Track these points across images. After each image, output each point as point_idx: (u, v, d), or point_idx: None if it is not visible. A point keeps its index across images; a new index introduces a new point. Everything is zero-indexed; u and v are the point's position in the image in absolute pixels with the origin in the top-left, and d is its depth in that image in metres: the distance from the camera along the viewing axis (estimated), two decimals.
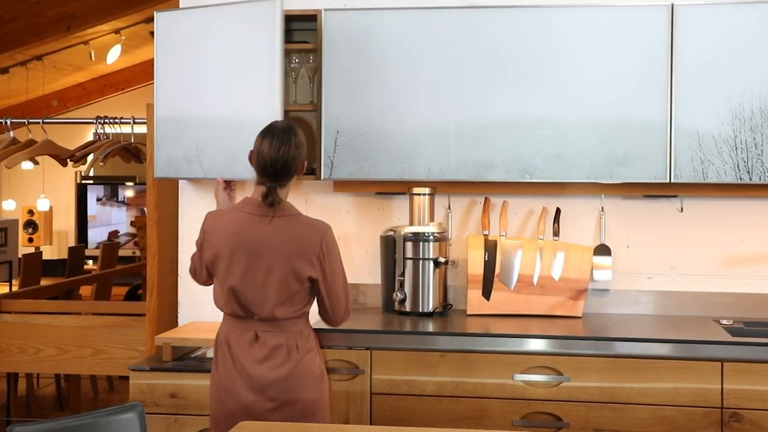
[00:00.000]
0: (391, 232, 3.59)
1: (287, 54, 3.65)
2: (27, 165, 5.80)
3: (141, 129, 4.19)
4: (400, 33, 3.49)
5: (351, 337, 3.23)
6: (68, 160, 4.72)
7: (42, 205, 8.85)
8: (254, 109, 3.38)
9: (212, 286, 2.95)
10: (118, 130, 4.61)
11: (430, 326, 3.37)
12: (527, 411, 3.14)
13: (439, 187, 3.65)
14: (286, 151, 2.77)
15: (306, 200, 3.86)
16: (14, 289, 6.36)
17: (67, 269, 7.49)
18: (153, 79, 3.65)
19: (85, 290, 6.81)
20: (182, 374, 3.31)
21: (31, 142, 4.71)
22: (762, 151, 3.29)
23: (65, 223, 10.20)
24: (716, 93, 3.31)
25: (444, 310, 3.59)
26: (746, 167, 3.30)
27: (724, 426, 3.05)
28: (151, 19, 4.35)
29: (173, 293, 3.96)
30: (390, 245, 3.58)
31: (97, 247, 8.81)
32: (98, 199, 10.11)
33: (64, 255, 8.17)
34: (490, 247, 3.58)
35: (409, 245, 3.54)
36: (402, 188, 3.67)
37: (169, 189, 3.96)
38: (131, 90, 9.58)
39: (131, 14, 7.12)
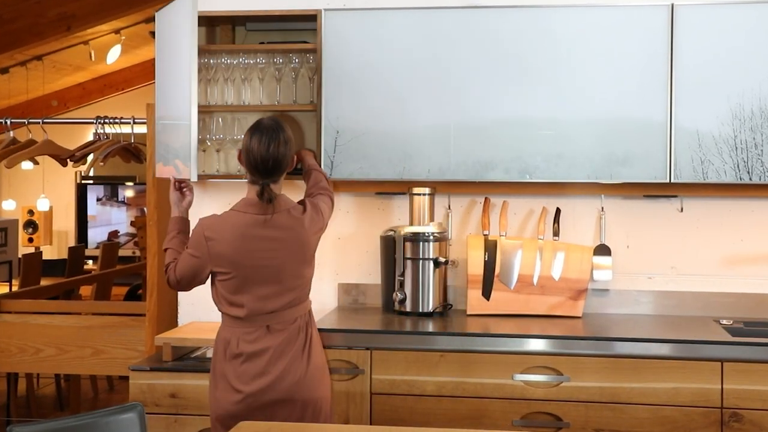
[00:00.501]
0: (391, 232, 3.59)
1: (287, 53, 3.65)
2: (27, 165, 5.80)
3: (141, 129, 4.19)
4: (400, 33, 3.49)
5: (351, 337, 3.23)
6: (68, 160, 4.72)
7: (42, 205, 8.85)
8: (176, 107, 3.33)
9: (212, 290, 2.94)
10: (118, 130, 4.61)
11: (430, 326, 3.37)
12: (527, 411, 3.14)
13: (439, 187, 3.65)
14: (276, 148, 2.81)
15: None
16: (14, 289, 6.36)
17: (67, 269, 7.49)
18: (153, 79, 3.64)
19: (85, 290, 6.81)
20: (182, 374, 3.31)
21: (31, 142, 4.71)
22: (762, 151, 3.29)
23: (65, 223, 10.20)
24: (716, 93, 3.31)
25: (444, 310, 3.59)
26: (746, 167, 3.30)
27: (724, 426, 3.05)
28: (151, 19, 4.35)
29: (173, 293, 3.96)
30: (390, 245, 3.58)
31: (97, 247, 8.81)
32: (98, 199, 10.11)
33: (64, 255, 8.17)
34: (490, 247, 3.58)
35: (409, 245, 3.54)
36: (402, 188, 3.67)
37: (169, 189, 3.95)
38: (131, 90, 9.57)
39: (131, 14, 7.11)
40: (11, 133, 4.66)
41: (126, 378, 3.69)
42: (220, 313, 2.94)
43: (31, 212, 9.07)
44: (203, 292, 3.88)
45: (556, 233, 3.63)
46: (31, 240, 9.02)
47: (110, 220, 10.13)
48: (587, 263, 3.56)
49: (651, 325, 3.43)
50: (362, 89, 3.50)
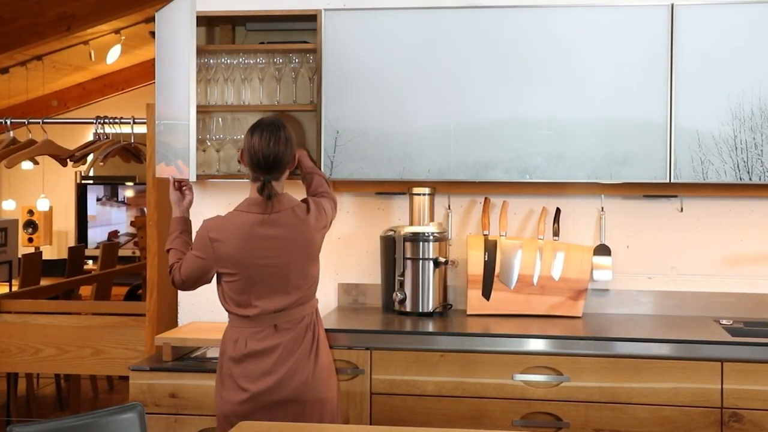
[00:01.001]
0: (391, 232, 3.59)
1: (287, 53, 3.65)
2: (27, 165, 5.80)
3: (141, 129, 4.19)
4: (400, 33, 3.49)
5: (351, 337, 3.23)
6: (68, 160, 4.72)
7: (42, 205, 8.85)
8: (176, 107, 3.33)
9: (218, 289, 2.93)
10: (118, 130, 4.60)
11: (430, 326, 3.37)
12: (527, 411, 3.14)
13: (439, 187, 3.65)
14: (276, 144, 2.83)
15: None
16: (14, 289, 6.36)
17: (67, 269, 7.49)
18: (153, 79, 3.64)
19: (85, 290, 6.81)
20: (182, 374, 3.31)
21: (31, 142, 4.71)
22: (762, 151, 3.29)
23: (65, 223, 10.20)
24: (716, 93, 3.31)
25: (444, 310, 3.59)
26: (746, 167, 3.30)
27: (724, 426, 3.05)
28: (151, 19, 4.35)
29: (173, 293, 3.96)
30: (390, 245, 3.58)
31: (97, 247, 8.81)
32: (98, 199, 10.11)
33: (64, 255, 8.17)
34: (490, 247, 3.58)
35: (408, 245, 3.54)
36: (402, 188, 3.67)
37: (169, 189, 3.95)
38: (131, 90, 9.58)
39: (131, 14, 7.11)
40: (11, 133, 4.66)
41: (126, 378, 3.69)
42: (226, 312, 2.94)
43: (31, 212, 9.07)
44: (203, 292, 3.88)
45: (556, 233, 3.63)
46: (31, 240, 9.02)
47: (110, 220, 10.13)
48: (587, 263, 3.56)
49: (651, 325, 3.43)
50: (362, 89, 3.50)
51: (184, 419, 3.29)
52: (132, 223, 9.77)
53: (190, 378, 3.30)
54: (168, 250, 3.03)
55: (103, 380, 6.62)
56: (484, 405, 3.16)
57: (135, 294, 7.12)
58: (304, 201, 2.97)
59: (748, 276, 3.65)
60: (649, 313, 3.66)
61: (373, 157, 3.49)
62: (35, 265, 6.77)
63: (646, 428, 3.08)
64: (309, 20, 3.62)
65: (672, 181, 3.35)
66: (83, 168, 8.02)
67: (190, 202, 3.19)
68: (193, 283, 2.93)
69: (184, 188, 3.20)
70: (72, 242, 10.00)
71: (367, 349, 3.22)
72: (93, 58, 8.06)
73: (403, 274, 3.54)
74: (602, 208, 3.70)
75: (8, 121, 4.60)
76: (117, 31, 7.78)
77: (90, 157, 4.61)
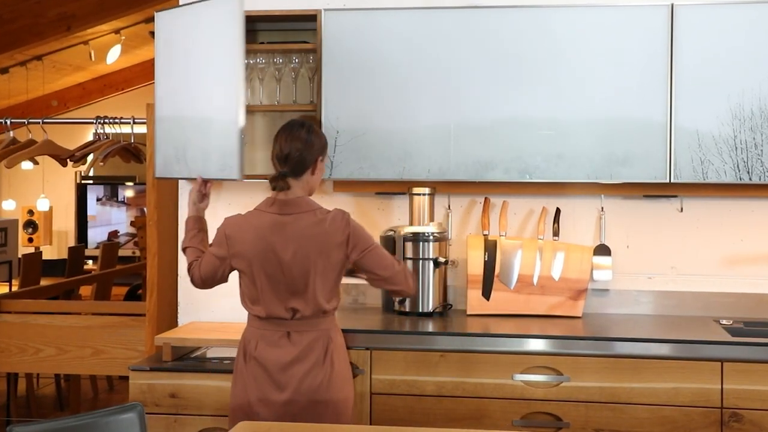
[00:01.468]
0: (391, 232, 3.58)
1: (287, 53, 3.65)
2: (27, 165, 5.80)
3: (141, 129, 4.19)
4: (400, 33, 3.49)
5: (351, 337, 3.23)
6: (68, 160, 4.72)
7: (42, 205, 8.85)
8: (222, 108, 3.30)
9: (240, 288, 2.93)
10: (118, 130, 4.60)
11: (430, 326, 3.37)
12: (527, 411, 3.14)
13: (439, 187, 3.65)
14: (297, 140, 2.84)
15: None
16: (14, 289, 6.36)
17: (67, 269, 7.49)
18: (153, 79, 3.64)
19: (85, 290, 6.81)
20: (182, 374, 3.31)
21: (31, 142, 4.71)
22: (762, 151, 3.29)
23: (65, 223, 10.20)
24: (716, 93, 3.31)
25: (444, 310, 3.59)
26: (746, 167, 3.30)
27: (723, 426, 3.05)
28: (151, 19, 4.35)
29: (173, 293, 3.96)
30: (390, 245, 3.57)
31: (97, 247, 8.81)
32: (98, 199, 10.11)
33: (64, 255, 8.17)
34: (490, 247, 3.58)
35: (409, 245, 3.54)
36: (402, 188, 3.67)
37: (169, 189, 3.96)
38: (131, 90, 9.58)
39: (131, 14, 7.12)
40: (11, 133, 4.66)
41: (126, 378, 3.69)
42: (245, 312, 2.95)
43: (31, 212, 9.07)
44: (203, 291, 3.88)
45: (556, 233, 3.63)
46: (31, 240, 9.02)
47: (110, 220, 10.14)
48: (587, 263, 3.56)
49: (651, 325, 3.43)
50: (362, 89, 3.50)
51: (184, 419, 3.29)
52: (132, 223, 9.77)
53: (190, 378, 3.30)
54: (185, 249, 3.04)
55: (103, 380, 6.62)
56: (484, 405, 3.16)
57: (135, 294, 7.12)
58: (339, 213, 2.88)
59: (748, 276, 3.65)
60: (649, 313, 3.66)
61: (373, 157, 3.49)
62: (35, 265, 6.77)
63: (646, 428, 3.08)
64: (309, 20, 3.62)
65: (672, 181, 3.35)
66: (83, 168, 8.03)
67: (206, 206, 3.18)
68: (211, 281, 2.94)
69: (206, 190, 3.19)
70: (72, 242, 10.01)
71: (367, 349, 3.22)
72: (93, 58, 8.06)
73: None
74: (602, 208, 3.70)
75: (8, 121, 4.59)
76: (117, 31, 7.78)
77: (90, 157, 4.61)
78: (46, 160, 5.15)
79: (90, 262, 8.69)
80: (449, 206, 3.78)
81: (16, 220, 7.44)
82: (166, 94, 3.56)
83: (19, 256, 6.97)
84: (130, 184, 10.15)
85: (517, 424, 3.14)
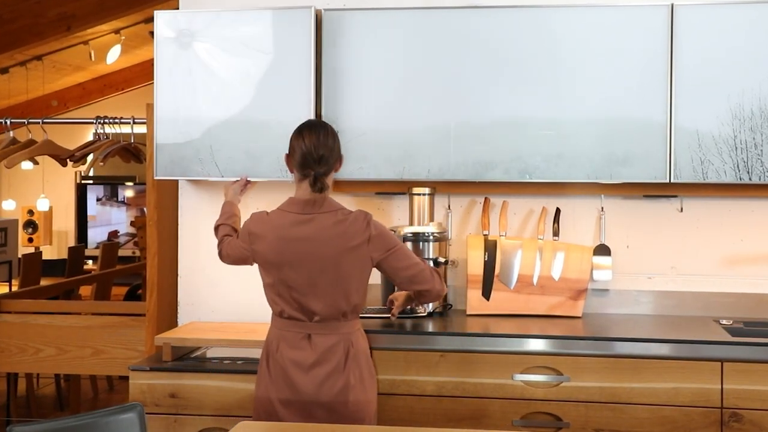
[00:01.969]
0: (391, 232, 3.58)
1: None
2: (27, 165, 5.80)
3: (141, 129, 4.19)
4: (400, 33, 3.49)
5: None
6: (68, 160, 4.72)
7: (42, 205, 8.85)
8: (285, 111, 3.47)
9: (263, 287, 2.94)
10: (118, 130, 4.60)
11: (430, 326, 3.37)
12: (527, 411, 3.14)
13: (439, 187, 3.65)
14: (325, 139, 2.86)
15: None
16: (14, 289, 6.36)
17: (67, 269, 7.49)
18: (153, 79, 3.65)
19: (85, 290, 6.81)
20: (182, 374, 3.31)
21: (31, 142, 4.71)
22: (762, 151, 3.29)
23: (65, 223, 10.20)
24: (716, 93, 3.31)
25: (444, 310, 3.59)
26: (746, 167, 3.30)
27: (724, 426, 3.05)
28: (151, 19, 4.34)
29: (173, 293, 3.96)
30: None
31: (97, 247, 8.81)
32: (98, 199, 10.12)
33: (64, 255, 8.17)
34: (490, 247, 3.58)
35: (408, 245, 3.54)
36: (402, 188, 3.67)
37: (169, 189, 3.97)
38: (131, 90, 9.58)
39: (131, 14, 7.12)
40: (11, 133, 4.66)
41: (126, 378, 3.68)
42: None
43: (31, 212, 9.07)
44: (203, 292, 3.89)
45: (556, 233, 3.63)
46: (31, 240, 9.02)
47: (110, 220, 10.14)
48: (587, 263, 3.56)
49: (651, 325, 3.43)
50: (362, 89, 3.50)
51: (183, 419, 3.29)
52: (132, 223, 9.77)
53: (190, 378, 3.30)
54: (218, 226, 3.16)
55: (103, 380, 6.62)
56: (484, 405, 3.16)
57: (135, 294, 7.12)
58: (358, 212, 2.88)
59: (748, 276, 3.65)
60: (649, 313, 3.66)
61: (373, 157, 3.49)
62: (35, 265, 6.77)
63: (646, 428, 3.08)
64: None
65: (672, 181, 3.35)
66: (83, 168, 8.03)
67: (239, 202, 3.35)
68: (234, 263, 3.04)
69: (245, 189, 3.44)
70: (72, 242, 10.01)
71: None
72: (93, 58, 8.06)
73: None
74: (602, 208, 3.70)
75: (8, 121, 4.59)
76: (117, 31, 7.78)
77: (90, 157, 4.60)
78: (46, 160, 5.15)
79: (90, 262, 8.69)
80: (449, 206, 3.78)
81: (16, 220, 7.44)
82: (176, 95, 3.57)
83: (19, 256, 6.97)
84: (130, 184, 10.15)
85: (517, 424, 3.14)
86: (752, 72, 3.30)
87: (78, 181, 10.15)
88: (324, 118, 3.50)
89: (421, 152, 3.47)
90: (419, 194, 3.59)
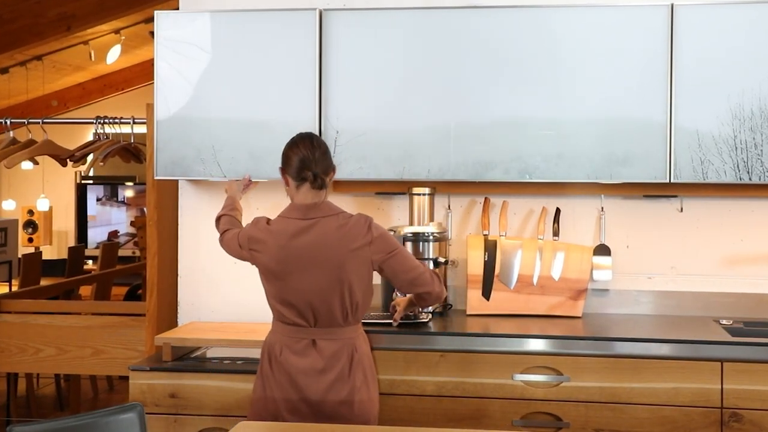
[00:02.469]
0: (391, 232, 3.58)
1: None
2: (27, 165, 5.79)
3: (141, 129, 4.19)
4: (400, 33, 3.49)
5: None
6: (68, 160, 4.72)
7: (42, 205, 8.84)
8: (288, 112, 3.50)
9: (265, 293, 2.94)
10: (118, 130, 4.60)
11: (430, 326, 3.37)
12: (527, 411, 3.14)
13: (439, 187, 3.65)
14: (319, 144, 2.89)
15: None
16: (14, 289, 6.36)
17: (67, 269, 7.49)
18: (153, 79, 3.65)
19: (85, 290, 6.81)
20: (182, 374, 3.31)
21: (31, 142, 4.71)
22: (762, 151, 3.29)
23: (65, 223, 10.20)
24: (716, 93, 3.31)
25: (444, 310, 3.59)
26: (746, 167, 3.30)
27: (724, 426, 3.05)
28: (151, 19, 4.34)
29: (173, 293, 3.96)
30: None
31: (97, 247, 8.80)
32: (98, 199, 10.11)
33: (64, 255, 8.17)
34: (490, 247, 3.58)
35: (408, 245, 3.54)
36: (402, 188, 3.67)
37: (169, 189, 3.97)
38: (131, 90, 9.57)
39: (131, 14, 7.12)
40: (11, 133, 4.66)
41: (126, 378, 3.68)
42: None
43: (31, 212, 9.06)
44: (203, 292, 3.89)
45: (555, 233, 3.63)
46: (31, 240, 9.02)
47: (110, 220, 10.13)
48: (587, 263, 3.56)
49: (651, 325, 3.43)
50: (362, 89, 3.50)
51: (183, 419, 3.29)
52: (132, 223, 9.77)
53: (190, 378, 3.30)
54: (220, 217, 3.18)
55: (103, 380, 6.62)
56: (484, 405, 3.16)
57: (135, 294, 7.12)
58: (359, 215, 2.88)
59: (748, 276, 3.65)
60: (649, 313, 3.66)
61: (373, 157, 3.49)
62: (35, 265, 6.77)
63: (646, 428, 3.08)
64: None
65: (672, 181, 3.35)
66: (83, 168, 8.02)
67: (240, 198, 3.38)
68: (231, 255, 3.06)
69: (248, 189, 3.46)
70: (72, 242, 10.00)
71: None
72: (93, 58, 8.06)
73: None
74: (602, 208, 3.70)
75: (8, 121, 4.59)
76: (117, 31, 7.78)
77: (90, 157, 4.60)
78: (46, 160, 5.15)
79: (90, 262, 8.69)
80: (449, 206, 3.78)
81: (16, 220, 7.44)
82: (178, 96, 3.58)
83: (19, 256, 6.97)
84: (130, 184, 10.15)
85: (517, 424, 3.14)
86: (752, 72, 3.30)
87: (78, 181, 10.15)
88: (324, 118, 3.51)
89: (421, 152, 3.47)
90: (419, 194, 3.59)
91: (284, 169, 2.90)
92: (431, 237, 3.55)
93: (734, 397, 3.04)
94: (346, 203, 3.83)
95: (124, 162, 4.69)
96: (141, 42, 8.23)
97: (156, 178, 3.66)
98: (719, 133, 3.31)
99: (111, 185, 10.12)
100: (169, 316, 3.95)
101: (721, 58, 3.32)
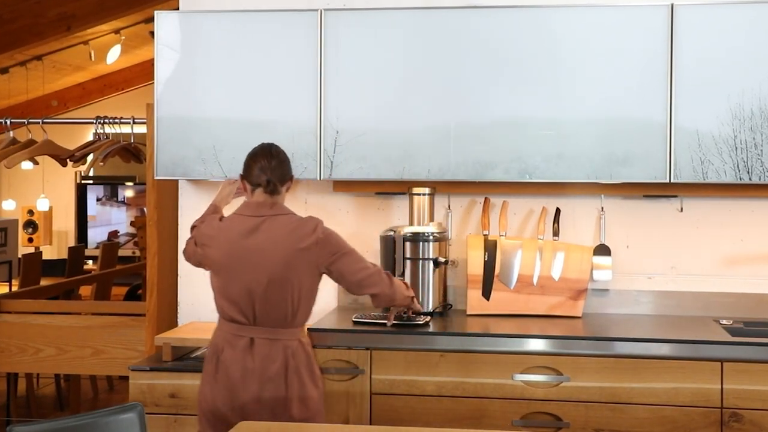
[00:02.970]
0: (391, 232, 3.58)
1: None
2: (27, 165, 5.79)
3: (141, 129, 4.19)
4: (400, 33, 3.49)
5: (351, 337, 3.23)
6: (68, 160, 4.72)
7: (42, 205, 8.84)
8: (289, 112, 3.51)
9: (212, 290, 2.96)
10: (118, 130, 4.60)
11: (430, 326, 3.37)
12: (527, 411, 3.14)
13: (439, 187, 3.65)
14: (277, 153, 2.91)
15: (306, 201, 3.87)
16: (14, 289, 6.36)
17: (67, 269, 7.49)
18: (153, 79, 3.65)
19: (85, 290, 6.81)
20: (182, 374, 3.31)
21: (31, 142, 4.71)
22: (762, 151, 3.29)
23: (65, 223, 10.20)
24: (716, 93, 3.31)
25: (444, 310, 3.59)
26: (746, 167, 3.30)
27: (723, 426, 3.05)
28: (151, 19, 4.35)
29: (173, 293, 3.96)
30: (390, 245, 3.58)
31: (97, 247, 8.80)
32: (98, 199, 10.11)
33: (64, 255, 8.17)
34: (490, 247, 3.58)
35: (408, 245, 3.54)
36: (402, 188, 3.67)
37: (169, 189, 3.97)
38: (131, 90, 9.57)
39: (131, 14, 7.12)
40: (11, 133, 4.66)
41: (126, 378, 3.68)
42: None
43: (31, 212, 9.06)
44: (203, 292, 3.88)
45: (555, 233, 3.63)
46: (31, 240, 9.02)
47: (110, 220, 10.13)
48: (587, 263, 3.56)
49: (651, 325, 3.43)
50: (362, 89, 3.50)
51: (183, 419, 3.29)
52: (132, 223, 9.77)
53: (190, 378, 3.30)
54: (193, 227, 3.13)
55: (103, 380, 6.62)
56: (484, 405, 3.16)
57: (135, 294, 7.12)
58: (309, 217, 2.90)
59: (748, 276, 3.65)
60: (649, 313, 3.66)
61: (373, 157, 3.49)
62: (35, 265, 6.77)
63: (646, 428, 3.08)
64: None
65: (672, 181, 3.35)
66: (83, 168, 8.02)
67: (230, 202, 3.30)
68: (195, 265, 3.08)
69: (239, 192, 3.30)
70: (72, 242, 10.00)
71: (367, 349, 3.22)
72: (93, 58, 8.06)
73: (403, 274, 3.53)
74: (602, 208, 3.70)
75: (8, 121, 4.59)
76: (117, 31, 7.78)
77: (90, 157, 4.61)
78: (46, 160, 5.15)
79: (90, 262, 8.69)
80: (449, 206, 3.78)
81: (16, 220, 7.44)
82: (178, 96, 3.58)
83: (19, 256, 6.97)
84: (130, 184, 10.15)
85: (517, 424, 3.14)
86: (752, 72, 3.30)
87: (78, 181, 10.15)
88: (324, 118, 3.51)
89: (421, 152, 3.47)
90: (419, 194, 3.59)
91: (243, 176, 2.93)
92: (431, 237, 3.55)
93: (734, 397, 3.04)
94: (346, 203, 3.84)
95: (124, 162, 4.69)
96: (141, 42, 8.22)
97: (156, 178, 3.66)
98: (719, 133, 3.31)
99: (111, 185, 10.12)
100: (169, 316, 3.95)
101: (721, 58, 3.32)
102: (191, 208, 3.94)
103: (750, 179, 3.31)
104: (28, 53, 7.55)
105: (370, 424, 3.20)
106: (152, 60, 3.68)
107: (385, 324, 3.27)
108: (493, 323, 3.43)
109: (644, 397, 3.09)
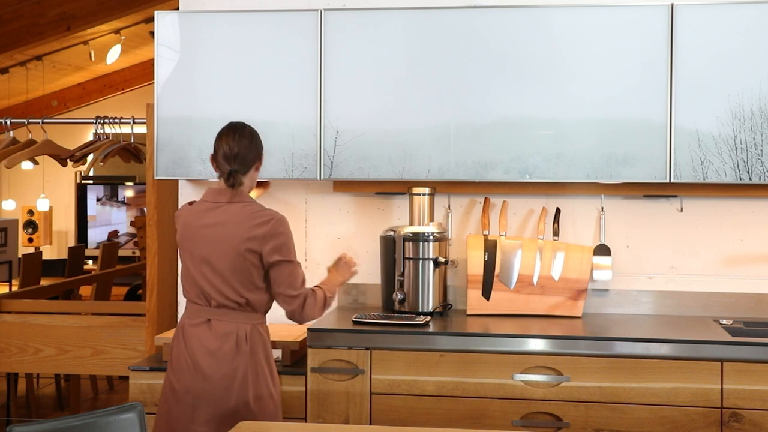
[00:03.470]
0: (391, 232, 3.59)
1: None
2: (27, 165, 5.80)
3: (141, 129, 4.19)
4: (400, 33, 3.49)
5: (351, 337, 3.23)
6: (68, 160, 4.72)
7: (42, 205, 8.84)
8: (290, 112, 3.52)
9: None
10: (118, 130, 4.61)
11: (430, 326, 3.37)
12: (527, 411, 3.14)
13: (439, 187, 3.65)
14: (241, 139, 2.94)
15: (306, 201, 3.87)
16: (14, 289, 6.36)
17: (67, 269, 7.49)
18: (153, 79, 3.65)
19: (85, 290, 6.81)
20: None
21: (31, 142, 4.71)
22: (762, 151, 3.29)
23: (65, 223, 10.20)
24: (716, 93, 3.31)
25: (444, 310, 3.59)
26: (746, 167, 3.30)
27: (723, 426, 3.05)
28: (151, 19, 4.35)
29: (173, 293, 3.96)
30: (390, 245, 3.58)
31: (97, 247, 8.81)
32: (98, 199, 10.11)
33: (64, 255, 8.17)
34: (490, 247, 3.58)
35: (408, 245, 3.54)
36: (402, 188, 3.67)
37: (169, 189, 3.97)
38: (131, 90, 9.57)
39: (131, 14, 7.12)
40: (11, 133, 4.66)
41: (126, 378, 3.69)
42: None
43: (31, 212, 9.06)
44: None
45: (555, 233, 3.63)
46: (31, 240, 9.02)
47: (110, 220, 10.13)
48: (587, 263, 3.56)
49: (651, 325, 3.43)
50: (362, 89, 3.50)
51: None
52: (132, 223, 9.77)
53: None
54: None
55: (103, 380, 6.62)
56: (484, 405, 3.16)
57: (135, 294, 7.12)
58: (270, 210, 2.93)
59: (748, 276, 3.65)
60: (649, 313, 3.66)
61: (373, 157, 3.49)
62: (35, 265, 6.77)
63: (646, 428, 3.08)
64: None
65: (672, 181, 3.35)
66: (83, 168, 8.03)
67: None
68: None
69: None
70: (72, 242, 10.00)
71: (367, 349, 3.22)
72: (93, 58, 8.06)
73: (403, 274, 3.54)
74: (602, 208, 3.70)
75: (8, 121, 4.59)
76: (117, 31, 7.78)
77: (90, 157, 4.61)
78: (46, 160, 5.15)
79: (90, 262, 8.69)
80: (449, 206, 3.78)
81: (16, 220, 7.44)
82: (178, 96, 3.58)
83: (19, 256, 6.97)
84: (130, 184, 10.15)
85: (517, 424, 3.14)
86: (752, 72, 3.30)
87: (78, 181, 10.15)
88: (324, 118, 3.51)
89: (421, 152, 3.47)
90: (419, 194, 3.59)
91: (212, 158, 2.98)
92: (431, 237, 3.55)
93: (734, 397, 3.05)
94: (346, 203, 3.84)
95: (124, 162, 4.69)
96: (141, 42, 8.23)
97: (156, 178, 3.66)
98: (719, 133, 3.31)
99: (111, 185, 10.12)
100: (169, 316, 3.95)
101: (721, 58, 3.32)
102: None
103: (750, 179, 3.31)
104: (28, 53, 7.55)
105: (370, 424, 3.20)
106: (152, 60, 3.68)
107: (390, 324, 3.27)
108: (493, 323, 3.43)
109: (644, 397, 3.09)
